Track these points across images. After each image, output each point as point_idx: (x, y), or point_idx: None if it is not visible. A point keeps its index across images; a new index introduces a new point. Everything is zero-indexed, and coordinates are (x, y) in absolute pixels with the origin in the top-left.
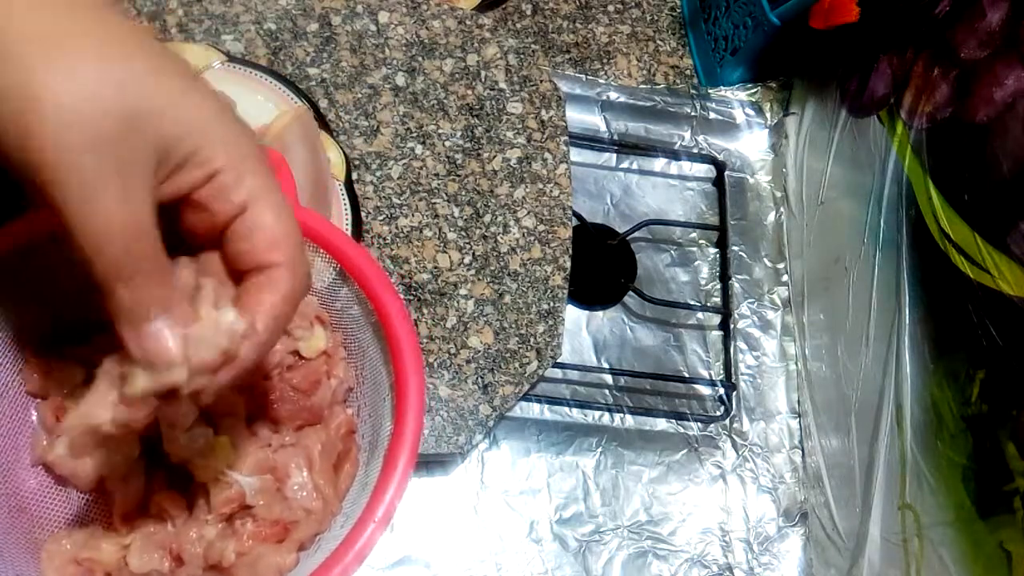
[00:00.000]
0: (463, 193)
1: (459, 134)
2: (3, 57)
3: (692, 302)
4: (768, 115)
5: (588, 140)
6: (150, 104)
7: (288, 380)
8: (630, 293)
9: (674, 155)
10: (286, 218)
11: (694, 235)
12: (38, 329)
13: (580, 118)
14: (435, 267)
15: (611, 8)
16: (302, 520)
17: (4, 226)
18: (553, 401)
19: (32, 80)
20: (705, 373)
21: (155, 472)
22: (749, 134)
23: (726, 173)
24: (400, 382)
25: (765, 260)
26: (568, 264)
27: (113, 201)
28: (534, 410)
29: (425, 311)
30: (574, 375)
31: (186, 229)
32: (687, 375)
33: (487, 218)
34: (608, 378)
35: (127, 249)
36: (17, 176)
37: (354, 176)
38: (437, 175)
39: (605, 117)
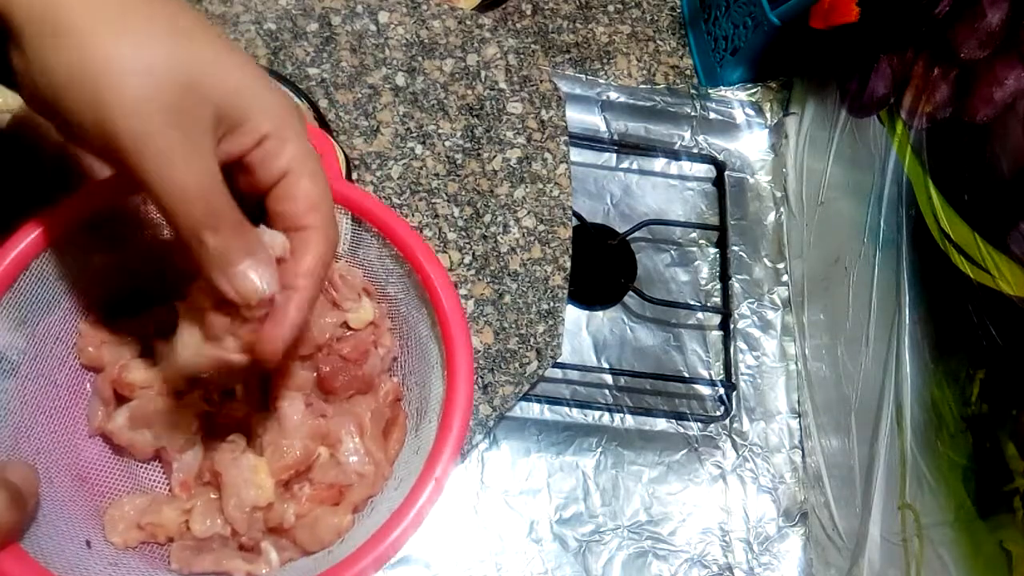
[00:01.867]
0: (463, 193)
1: (459, 134)
2: (71, 36)
3: (692, 302)
4: (768, 115)
5: (588, 140)
6: (208, 73)
7: (338, 351)
8: (630, 293)
9: (674, 155)
10: (322, 184)
11: (694, 235)
12: (91, 304)
13: (580, 118)
14: None
15: (611, 8)
16: (356, 484)
17: (58, 205)
18: (553, 401)
19: (101, 56)
20: (705, 373)
21: (213, 444)
22: (749, 134)
23: (726, 173)
24: (449, 348)
25: (765, 260)
26: (568, 264)
27: (189, 161)
28: (534, 410)
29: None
30: (574, 375)
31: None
32: (687, 375)
33: (487, 218)
34: (608, 378)
35: (208, 202)
36: (93, 150)
37: (354, 176)
38: (437, 175)
39: (605, 117)
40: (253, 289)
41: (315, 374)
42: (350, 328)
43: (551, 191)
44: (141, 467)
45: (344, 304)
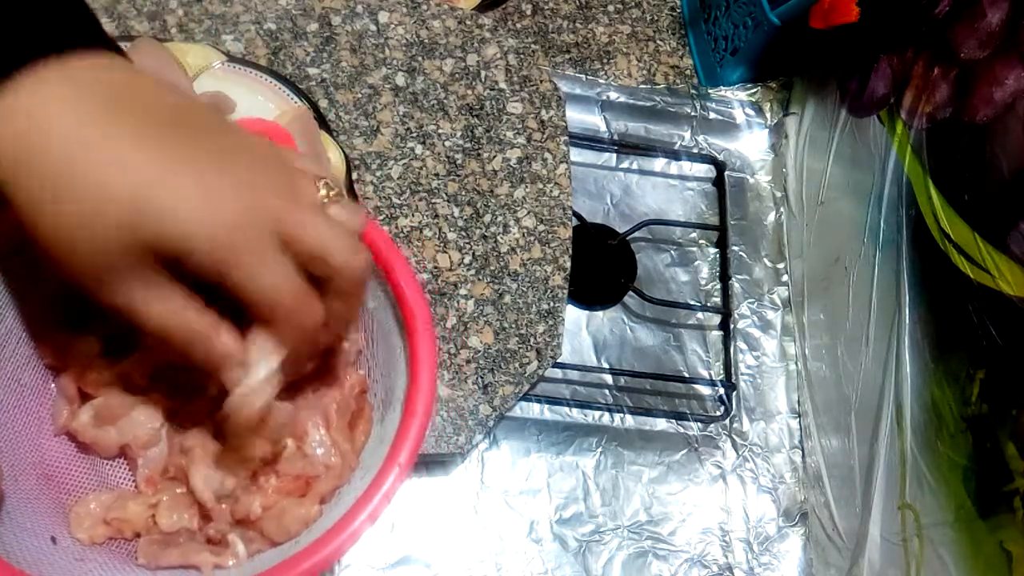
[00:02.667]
0: (463, 193)
1: (459, 134)
2: (140, 196)
3: (692, 302)
4: (768, 115)
5: (588, 140)
6: (259, 198)
7: None
8: (630, 293)
9: (674, 155)
10: (348, 242)
11: (694, 235)
12: (52, 304)
13: (580, 118)
14: (435, 267)
15: (611, 8)
16: (322, 475)
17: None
18: (553, 401)
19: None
20: (705, 373)
21: (177, 438)
22: (749, 134)
23: (726, 173)
24: (412, 339)
25: (765, 260)
26: (568, 264)
27: (272, 266)
28: (534, 410)
29: None
30: (574, 375)
31: None
32: (687, 375)
33: (487, 218)
34: (608, 378)
35: (185, 334)
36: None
37: (354, 176)
38: (437, 175)
39: (605, 117)
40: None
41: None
42: None
43: (551, 191)
44: (107, 464)
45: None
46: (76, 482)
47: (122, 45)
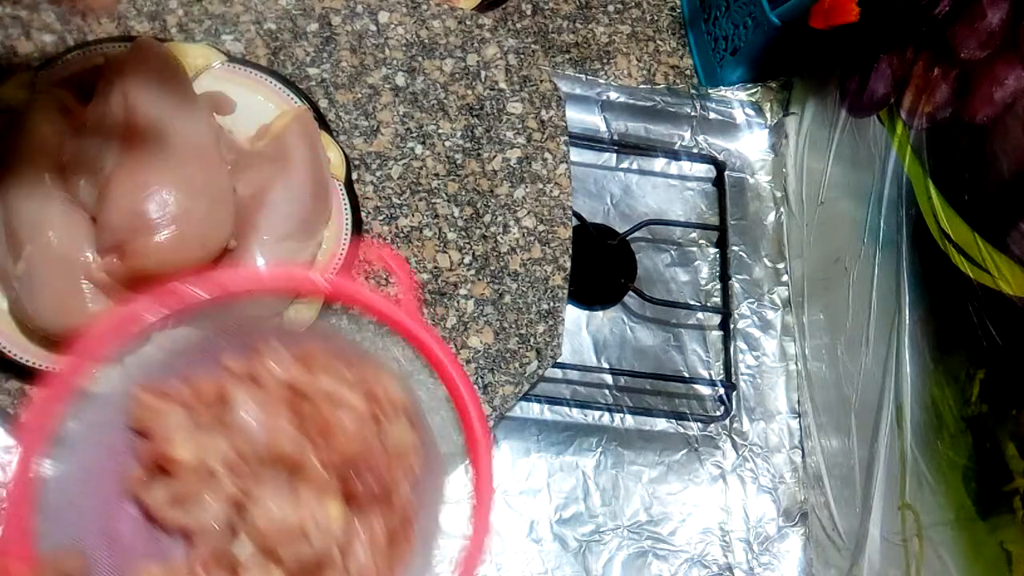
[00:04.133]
0: (463, 193)
1: (459, 134)
2: None
3: (692, 302)
4: (768, 115)
5: (588, 140)
6: None
7: (367, 463)
8: (630, 293)
9: (674, 155)
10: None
11: (694, 235)
12: (148, 371)
13: (580, 118)
14: (435, 267)
15: (611, 8)
16: None
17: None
18: (553, 401)
19: None
20: (705, 373)
21: (237, 533)
22: (749, 134)
23: (726, 173)
24: (477, 473)
25: (765, 260)
26: (568, 264)
27: None
28: (534, 410)
29: (425, 311)
30: (574, 375)
31: None
32: (687, 375)
33: (487, 218)
34: (608, 378)
35: None
36: None
37: (354, 176)
38: (437, 175)
39: (605, 117)
40: None
41: (343, 481)
42: (383, 444)
43: (551, 191)
44: (167, 537)
45: (384, 423)
46: (135, 546)
47: (122, 45)
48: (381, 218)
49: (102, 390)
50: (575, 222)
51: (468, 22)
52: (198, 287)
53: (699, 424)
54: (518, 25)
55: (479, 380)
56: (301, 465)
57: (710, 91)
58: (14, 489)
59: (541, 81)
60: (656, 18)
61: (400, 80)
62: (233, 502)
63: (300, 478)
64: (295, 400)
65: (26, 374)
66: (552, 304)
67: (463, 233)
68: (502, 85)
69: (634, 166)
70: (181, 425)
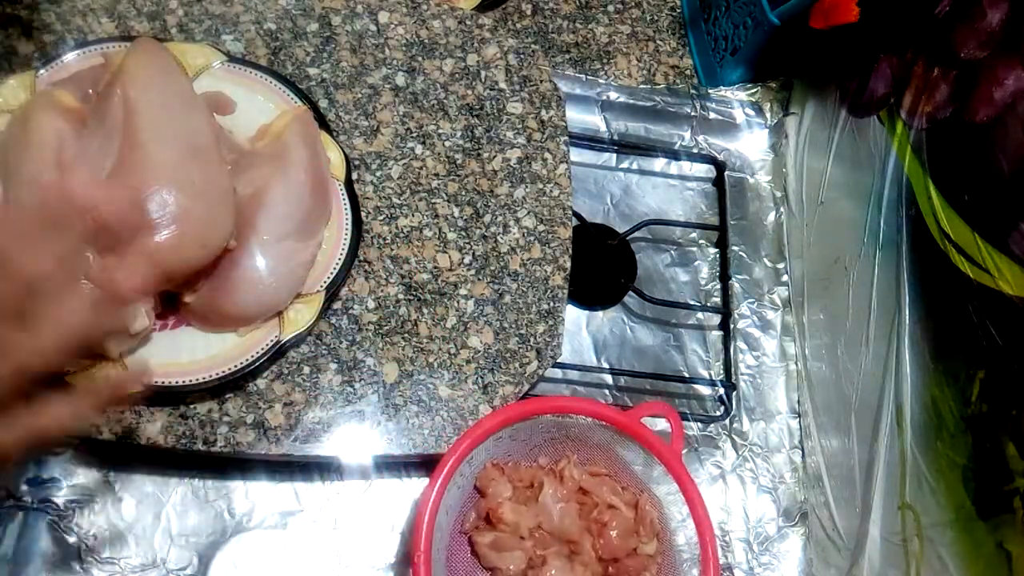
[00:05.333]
0: (463, 193)
1: (459, 134)
2: None
3: (692, 302)
4: (768, 115)
5: (588, 140)
6: None
7: (625, 567)
8: (630, 293)
9: (674, 155)
10: None
11: (694, 235)
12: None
13: (580, 118)
14: (435, 267)
15: (611, 8)
16: None
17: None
18: None
19: None
20: (705, 373)
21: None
22: (749, 134)
23: (726, 173)
24: None
25: (765, 260)
26: (568, 264)
27: None
28: None
29: (425, 311)
30: (574, 375)
31: None
32: (687, 375)
33: (487, 218)
34: (608, 378)
35: None
36: None
37: (354, 176)
38: (437, 175)
39: (605, 117)
40: None
41: (604, 569)
42: (638, 550)
43: (551, 191)
44: (482, 571)
45: (642, 538)
46: (460, 570)
47: (122, 45)
48: (381, 218)
49: (473, 457)
50: (575, 222)
51: (468, 22)
52: (533, 405)
53: (699, 424)
54: (518, 25)
55: (479, 380)
56: (580, 548)
57: (710, 91)
58: (421, 503)
59: (541, 81)
60: (656, 18)
61: (400, 80)
62: (530, 559)
63: (577, 559)
64: (583, 498)
65: None
66: (552, 304)
67: (463, 233)
68: (502, 85)
69: (634, 166)
70: (508, 494)
